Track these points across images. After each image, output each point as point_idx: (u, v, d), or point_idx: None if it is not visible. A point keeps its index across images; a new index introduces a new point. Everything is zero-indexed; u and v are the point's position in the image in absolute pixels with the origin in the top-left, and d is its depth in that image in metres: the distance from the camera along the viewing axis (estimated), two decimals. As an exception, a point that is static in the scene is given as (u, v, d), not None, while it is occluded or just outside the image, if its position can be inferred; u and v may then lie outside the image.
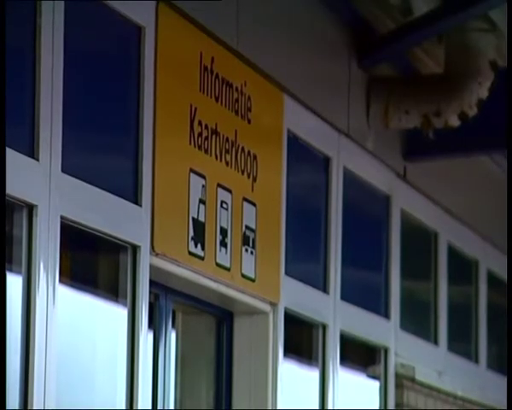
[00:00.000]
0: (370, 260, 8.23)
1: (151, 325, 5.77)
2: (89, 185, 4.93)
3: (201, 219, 5.98)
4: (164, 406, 6.09)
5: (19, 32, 4.35)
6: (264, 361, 6.76)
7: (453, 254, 9.36)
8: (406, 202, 8.56)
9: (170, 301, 6.14)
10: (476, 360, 9.84)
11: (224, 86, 6.22)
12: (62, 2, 4.59)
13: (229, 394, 6.74)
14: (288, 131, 6.90)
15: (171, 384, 6.22)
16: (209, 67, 6.06)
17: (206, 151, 6.02)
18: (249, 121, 6.44)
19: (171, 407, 6.22)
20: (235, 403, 6.71)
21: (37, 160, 4.47)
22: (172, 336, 6.24)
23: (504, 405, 10.11)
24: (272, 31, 6.66)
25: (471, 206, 9.59)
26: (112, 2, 5.12)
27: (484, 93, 7.58)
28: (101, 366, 5.54)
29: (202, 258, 5.99)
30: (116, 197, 5.21)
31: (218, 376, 6.72)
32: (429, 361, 8.77)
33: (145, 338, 5.57)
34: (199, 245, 5.95)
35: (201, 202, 5.95)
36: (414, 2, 7.66)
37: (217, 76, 6.15)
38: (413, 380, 8.31)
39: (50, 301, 4.57)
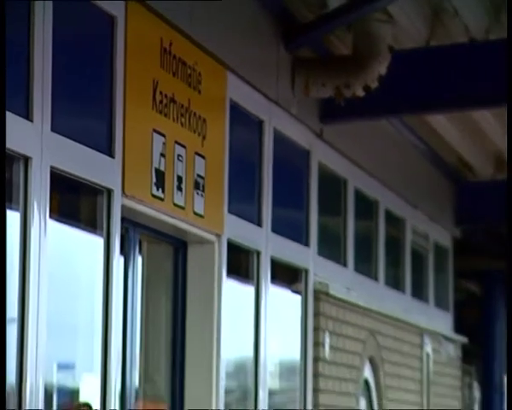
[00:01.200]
0: (294, 201, 8.23)
1: (122, 251, 5.75)
2: (73, 142, 4.96)
3: (162, 168, 5.98)
4: (132, 316, 6.06)
5: (16, 15, 4.40)
6: (211, 280, 6.75)
7: (359, 196, 9.36)
8: (322, 156, 8.55)
9: (137, 233, 6.14)
10: (376, 279, 9.84)
11: (180, 64, 6.19)
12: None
13: (183, 306, 6.73)
14: (230, 99, 6.88)
15: (138, 299, 6.20)
16: (168, 49, 6.05)
17: (165, 115, 6.01)
18: (199, 92, 6.43)
19: (138, 317, 6.19)
20: (189, 313, 6.70)
21: (32, 121, 4.52)
22: (139, 260, 6.26)
23: (397, 314, 10.12)
24: (218, 19, 6.64)
25: (373, 158, 9.58)
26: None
27: (383, 70, 7.57)
28: (82, 284, 5.56)
29: (162, 199, 5.99)
30: (95, 151, 5.22)
31: (175, 292, 6.71)
32: (340, 279, 8.76)
33: (117, 262, 5.56)
34: (160, 189, 5.95)
35: (162, 155, 5.95)
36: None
37: (174, 56, 6.13)
38: (327, 294, 8.31)
39: (43, 233, 4.63)
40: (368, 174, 9.56)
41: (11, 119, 4.22)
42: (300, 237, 8.16)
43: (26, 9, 4.52)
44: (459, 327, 12.35)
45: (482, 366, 15.30)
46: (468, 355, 12.89)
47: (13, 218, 4.47)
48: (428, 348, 10.97)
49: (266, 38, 7.46)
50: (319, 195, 8.47)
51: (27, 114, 4.53)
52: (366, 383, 9.37)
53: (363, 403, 9.27)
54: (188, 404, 6.67)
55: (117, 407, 5.55)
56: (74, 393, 5.50)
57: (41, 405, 4.61)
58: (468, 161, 11.73)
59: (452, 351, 11.95)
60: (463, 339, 12.37)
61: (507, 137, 4.81)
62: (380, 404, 9.65)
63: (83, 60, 5.30)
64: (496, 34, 8.49)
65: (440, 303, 11.88)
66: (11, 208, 4.47)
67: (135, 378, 6.17)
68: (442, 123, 10.43)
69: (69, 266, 5.35)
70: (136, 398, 6.21)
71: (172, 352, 6.71)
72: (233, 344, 7.10)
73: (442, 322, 11.82)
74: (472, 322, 13.73)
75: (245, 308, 7.36)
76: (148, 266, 6.47)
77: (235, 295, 7.10)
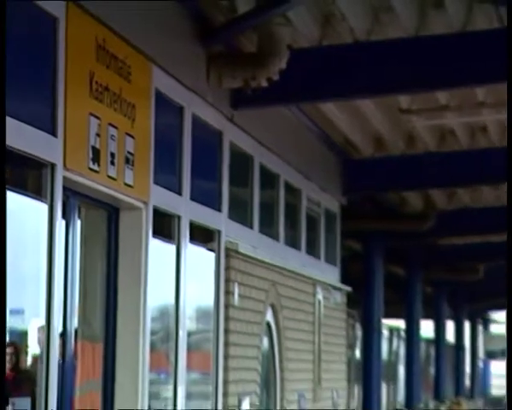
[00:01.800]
0: (209, 174, 8.23)
1: (64, 216, 5.71)
2: (23, 124, 4.94)
3: (97, 146, 5.96)
4: (72, 270, 6.02)
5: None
6: (139, 240, 6.72)
7: (263, 170, 9.37)
8: (233, 137, 8.55)
9: (76, 201, 6.08)
10: (277, 239, 9.85)
11: (112, 58, 6.16)
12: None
13: (116, 261, 6.71)
14: (155, 88, 6.86)
15: (78, 255, 6.16)
16: (102, 45, 6.02)
17: (100, 101, 5.99)
18: (129, 82, 6.39)
19: (78, 270, 6.15)
20: (120, 267, 6.68)
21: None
22: (78, 223, 6.19)
23: (294, 268, 10.14)
24: (145, 20, 6.61)
25: (275, 139, 9.58)
26: (39, 2, 5.18)
27: (283, 65, 7.58)
28: (30, 243, 5.53)
29: (98, 172, 5.98)
30: (41, 132, 5.21)
31: (109, 249, 6.69)
32: (247, 239, 8.77)
33: (60, 224, 5.53)
34: (96, 163, 5.95)
35: (97, 135, 5.94)
36: (238, 3, 7.63)
37: (107, 51, 6.09)
38: (236, 252, 8.31)
39: (-2, 201, 4.55)
40: (271, 152, 9.58)
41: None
42: (214, 204, 8.15)
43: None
44: (345, 278, 12.44)
45: (363, 311, 15.43)
46: (351, 301, 12.99)
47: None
48: (320, 296, 11.03)
49: (186, 37, 7.43)
50: (230, 169, 8.46)
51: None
52: (268, 325, 9.39)
53: (265, 341, 9.28)
54: (119, 344, 6.65)
55: (58, 345, 5.57)
56: (23, 334, 5.47)
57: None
58: (352, 141, 11.79)
59: (339, 298, 12.03)
60: (348, 288, 12.46)
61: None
62: (279, 342, 9.68)
63: (31, 54, 5.26)
64: (376, 35, 8.50)
65: (330, 259, 11.94)
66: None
67: (74, 322, 6.13)
68: (331, 109, 10.49)
69: (20, 227, 5.30)
70: (76, 338, 6.16)
71: (106, 300, 6.67)
72: (157, 293, 7.07)
73: (331, 274, 11.89)
74: (355, 274, 13.83)
75: (168, 263, 7.35)
76: (86, 228, 6.42)
77: (159, 252, 7.07)
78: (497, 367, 32.95)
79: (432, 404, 19.47)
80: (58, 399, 5.61)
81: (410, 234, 15.37)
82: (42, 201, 5.44)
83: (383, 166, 12.45)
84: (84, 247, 6.32)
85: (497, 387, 32.48)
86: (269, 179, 9.62)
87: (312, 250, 11.18)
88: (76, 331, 6.18)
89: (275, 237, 9.82)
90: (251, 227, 9.07)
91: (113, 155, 6.15)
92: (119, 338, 6.67)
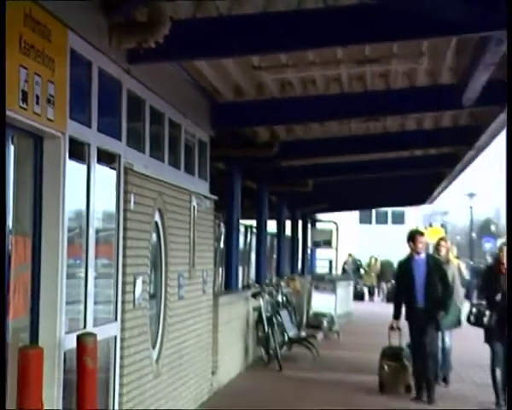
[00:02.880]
0: (112, 112, 8.11)
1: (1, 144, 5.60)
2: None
3: (26, 89, 5.82)
4: (8, 186, 5.91)
5: None
6: (58, 161, 6.65)
7: (152, 110, 9.30)
8: (130, 85, 8.47)
9: (10, 132, 5.92)
10: (163, 161, 9.85)
11: (36, 24, 6.05)
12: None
13: (41, 178, 6.60)
14: (70, 47, 6.75)
15: (11, 175, 6.07)
16: (28, 14, 5.95)
17: (28, 56, 5.83)
18: (50, 42, 6.24)
19: (11, 187, 6.06)
20: (44, 182, 6.60)
21: None
22: (12, 149, 6.06)
23: (175, 182, 10.12)
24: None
25: (161, 86, 9.49)
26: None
27: (166, 32, 7.55)
28: None
29: (26, 109, 5.83)
30: None
31: (35, 169, 6.59)
32: (140, 161, 8.71)
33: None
34: (24, 103, 5.83)
35: (26, 81, 5.82)
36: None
37: (33, 18, 6.00)
38: (132, 170, 8.28)
39: None
40: (158, 96, 9.50)
41: None
42: (116, 134, 8.09)
43: None
44: (212, 190, 12.47)
45: (226, 214, 15.54)
46: (217, 207, 13.04)
47: None
48: (194, 203, 11.04)
49: (94, 9, 7.30)
50: (128, 108, 8.38)
51: None
52: (156, 224, 9.39)
53: (154, 236, 9.29)
54: (43, 238, 6.59)
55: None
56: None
57: None
58: (218, 89, 11.73)
59: (208, 204, 12.06)
60: (215, 197, 12.51)
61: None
62: (164, 237, 9.71)
63: None
64: (235, 11, 8.43)
65: (202, 176, 11.95)
66: None
67: (9, 222, 6.02)
68: (203, 65, 10.45)
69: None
70: (10, 233, 6.07)
71: (34, 207, 6.57)
72: (73, 201, 7.01)
73: (202, 187, 11.92)
74: (220, 187, 13.87)
75: (81, 179, 7.26)
76: (19, 152, 6.30)
77: (74, 170, 6.99)
78: (320, 253, 33.55)
79: (274, 279, 19.75)
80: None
81: (260, 158, 15.49)
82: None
83: (240, 108, 12.47)
84: (16, 167, 6.19)
85: (320, 267, 33.17)
86: (156, 117, 9.55)
87: (189, 169, 11.18)
88: (10, 229, 6.09)
89: (161, 159, 9.80)
90: (143, 152, 9.02)
91: (37, 96, 6.02)
92: (44, 234, 6.59)
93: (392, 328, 11.75)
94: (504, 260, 10.53)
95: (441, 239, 13.10)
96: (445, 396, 11.22)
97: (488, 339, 10.74)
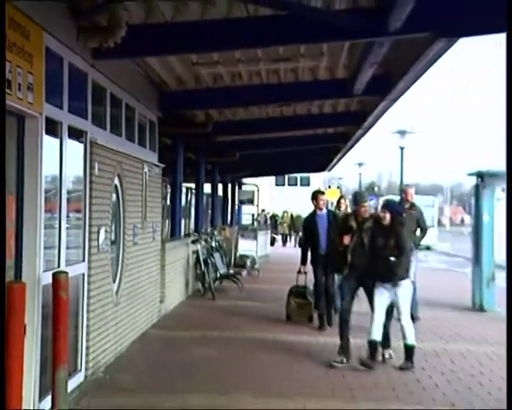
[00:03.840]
0: (80, 97, 7.94)
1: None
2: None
3: (10, 79, 5.65)
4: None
5: None
6: (37, 136, 6.51)
7: (112, 97, 9.15)
8: (94, 76, 8.29)
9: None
10: (121, 136, 9.72)
11: (19, 26, 5.87)
12: None
13: (23, 150, 6.48)
14: (46, 46, 6.59)
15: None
16: (12, 18, 5.72)
17: (11, 52, 5.67)
18: (29, 40, 6.08)
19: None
20: (26, 152, 6.47)
21: None
22: None
23: (131, 153, 10.01)
24: (39, 4, 6.28)
25: (121, 77, 9.33)
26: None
27: (123, 34, 7.44)
28: None
29: (11, 94, 5.70)
30: None
31: (18, 143, 6.45)
32: (103, 136, 8.57)
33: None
34: (9, 89, 5.67)
35: (10, 72, 5.62)
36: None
37: (15, 21, 5.81)
38: (96, 143, 8.15)
39: None
40: (116, 86, 9.34)
41: None
42: (83, 115, 7.95)
43: None
44: (160, 160, 12.39)
45: (171, 178, 15.45)
46: (164, 173, 12.94)
47: None
48: (146, 170, 10.96)
49: (64, 14, 7.13)
50: (92, 94, 8.24)
51: None
52: (116, 186, 9.30)
53: (114, 195, 9.22)
54: (25, 197, 6.47)
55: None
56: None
57: None
58: (164, 80, 11.62)
59: (157, 171, 11.99)
60: (162, 165, 12.42)
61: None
62: (122, 196, 9.61)
63: None
64: (177, 18, 8.32)
65: (152, 148, 11.86)
66: None
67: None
68: (152, 61, 10.35)
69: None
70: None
71: (17, 171, 6.44)
72: (49, 168, 6.89)
73: (152, 157, 11.82)
74: (167, 157, 13.78)
75: (55, 150, 7.13)
76: (6, 128, 6.16)
77: (49, 144, 6.86)
78: (245, 209, 33.69)
79: (209, 229, 19.76)
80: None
81: (198, 135, 15.44)
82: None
83: (182, 95, 12.37)
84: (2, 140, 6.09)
85: (245, 220, 33.29)
86: (115, 101, 9.40)
87: (141, 143, 11.08)
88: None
89: (119, 135, 9.67)
90: (105, 129, 8.90)
91: (19, 84, 5.88)
92: (26, 194, 6.47)
93: (299, 272, 11.40)
94: (386, 215, 10.19)
95: (341, 198, 13.06)
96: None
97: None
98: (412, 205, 11.68)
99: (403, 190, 12.01)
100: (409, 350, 8.52)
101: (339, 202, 12.80)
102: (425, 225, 11.77)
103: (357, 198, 9.05)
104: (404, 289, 8.38)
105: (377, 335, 8.39)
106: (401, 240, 8.23)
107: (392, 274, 8.17)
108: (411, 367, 8.45)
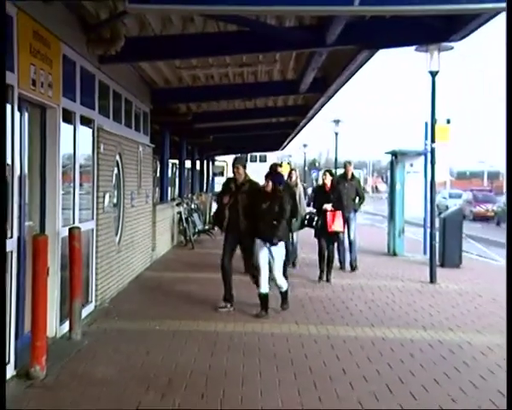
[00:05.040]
0: (91, 92, 7.80)
1: (19, 110, 5.36)
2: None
3: (34, 78, 5.55)
4: (25, 137, 5.68)
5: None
6: (55, 123, 6.41)
7: (114, 93, 9.03)
8: (100, 77, 8.15)
9: (25, 104, 5.68)
10: (121, 123, 9.60)
11: (41, 38, 5.76)
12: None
13: (44, 134, 6.36)
14: (63, 54, 6.47)
15: (27, 131, 5.82)
16: (36, 31, 5.63)
17: (35, 57, 5.56)
18: (50, 48, 5.96)
19: (27, 144, 5.78)
20: (47, 136, 6.38)
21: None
22: (26, 115, 5.78)
23: (129, 136, 9.90)
24: (59, 19, 6.16)
25: (121, 78, 9.14)
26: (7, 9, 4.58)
27: (122, 44, 7.35)
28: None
29: (35, 90, 5.62)
30: (9, 72, 4.67)
31: (41, 128, 6.35)
32: (107, 124, 8.47)
33: (18, 115, 5.18)
34: (34, 86, 5.59)
35: (34, 72, 5.52)
36: (101, 14, 7.13)
37: (38, 34, 5.69)
38: (103, 129, 8.07)
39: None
40: (118, 84, 9.20)
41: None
42: (92, 106, 7.84)
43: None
44: (151, 141, 12.29)
45: (160, 155, 15.32)
46: (155, 152, 12.84)
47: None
48: (140, 149, 10.87)
49: (77, 28, 7.00)
50: (99, 91, 8.10)
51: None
52: (117, 162, 9.23)
53: (116, 169, 9.14)
54: (47, 171, 6.40)
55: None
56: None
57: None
58: (154, 80, 11.49)
59: (149, 150, 11.90)
60: (153, 145, 12.34)
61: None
62: (122, 170, 9.54)
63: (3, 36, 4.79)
64: (165, 32, 8.22)
65: (145, 132, 11.75)
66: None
67: (26, 166, 5.74)
68: (145, 65, 10.21)
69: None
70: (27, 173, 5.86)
71: (40, 152, 6.33)
72: (66, 148, 6.81)
73: (145, 139, 11.72)
74: (157, 139, 13.67)
75: (70, 134, 7.03)
76: (31, 118, 6.02)
77: (66, 129, 6.76)
78: (217, 180, 33.59)
79: (190, 195, 19.72)
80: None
81: (181, 122, 15.31)
82: (7, 103, 4.98)
83: (168, 92, 12.26)
84: (29, 126, 5.94)
85: (217, 188, 33.16)
86: (117, 96, 9.28)
87: (137, 128, 10.96)
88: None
89: (120, 122, 9.56)
90: (109, 118, 8.78)
91: (42, 82, 5.78)
92: (47, 169, 6.41)
93: None
94: (326, 181, 9.93)
95: (292, 170, 12.41)
96: (292, 274, 10.08)
97: (316, 235, 10.06)
98: (353, 177, 11.24)
99: (345, 166, 11.29)
100: (284, 295, 7.75)
101: (290, 173, 11.98)
102: (362, 193, 11.34)
103: (233, 162, 7.97)
104: (279, 249, 7.43)
105: (264, 288, 7.41)
106: (282, 207, 7.43)
107: (273, 235, 7.30)
108: (287, 307, 7.75)
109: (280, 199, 7.44)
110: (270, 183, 7.48)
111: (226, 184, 8.10)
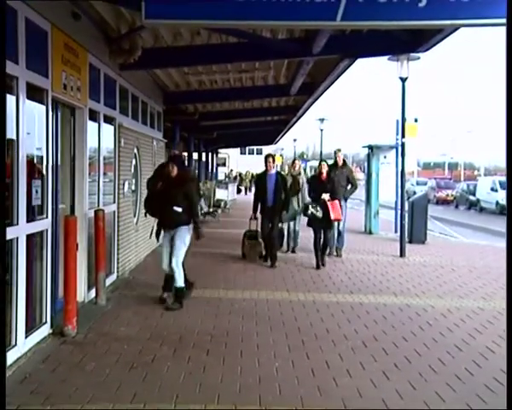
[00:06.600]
0: (111, 93, 7.73)
1: (54, 111, 5.34)
2: (37, 74, 4.48)
3: (65, 83, 5.46)
4: (58, 133, 5.65)
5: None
6: (83, 121, 6.39)
7: (133, 95, 8.95)
8: (121, 81, 8.01)
9: (59, 105, 5.63)
10: (137, 120, 9.52)
11: (70, 48, 5.70)
12: None
13: (74, 130, 6.30)
14: (89, 62, 6.38)
15: (59, 128, 5.77)
16: (66, 43, 5.55)
17: (66, 65, 5.46)
18: (78, 57, 5.91)
19: (59, 134, 5.71)
20: (76, 132, 6.31)
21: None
22: (59, 114, 5.71)
23: (145, 132, 9.88)
24: (85, 33, 6.11)
25: (137, 83, 9.03)
26: (42, 26, 4.56)
27: (139, 54, 7.30)
28: (34, 126, 5.02)
29: (66, 93, 5.53)
30: (43, 77, 4.75)
31: (71, 126, 6.30)
32: (127, 121, 8.31)
33: (52, 115, 5.15)
34: (65, 89, 5.51)
35: (65, 78, 5.40)
36: (121, 27, 7.09)
37: (68, 45, 5.62)
38: (122, 126, 8.04)
39: None
40: (136, 88, 9.09)
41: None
42: (113, 107, 7.74)
43: None
44: (164, 136, 12.25)
45: (171, 149, 15.26)
46: (167, 146, 12.80)
47: None
48: (154, 143, 10.82)
49: (101, 40, 6.94)
50: (120, 94, 8.07)
51: None
52: (135, 154, 9.21)
53: (134, 160, 9.12)
54: (76, 163, 6.38)
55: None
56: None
57: None
58: (167, 84, 11.45)
59: (162, 144, 11.86)
60: (165, 140, 12.28)
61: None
62: (139, 161, 9.52)
63: (38, 48, 4.70)
64: (175, 44, 8.17)
65: (159, 129, 11.69)
66: None
67: (58, 157, 5.72)
68: (158, 72, 10.18)
69: (31, 113, 4.90)
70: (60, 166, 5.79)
71: (71, 146, 6.29)
72: (92, 142, 6.73)
73: (159, 135, 11.65)
74: (169, 135, 13.64)
75: (95, 131, 6.94)
76: (63, 116, 5.98)
77: (92, 126, 6.69)
78: (220, 169, 33.43)
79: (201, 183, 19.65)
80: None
81: (189, 121, 15.27)
82: (43, 104, 5.00)
83: (178, 95, 12.22)
84: (62, 124, 5.91)
85: (220, 176, 33.04)
86: (135, 98, 9.22)
87: (152, 126, 10.91)
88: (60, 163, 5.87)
89: (137, 120, 9.50)
90: (128, 116, 8.73)
91: (72, 86, 5.75)
92: (76, 161, 6.40)
93: (251, 218, 9.69)
94: (323, 171, 8.95)
95: (295, 160, 11.09)
96: (290, 261, 9.61)
97: (309, 224, 9.03)
98: (344, 164, 9.83)
99: (335, 154, 10.00)
100: (178, 292, 6.02)
101: (293, 163, 10.68)
102: (354, 181, 9.78)
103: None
104: (180, 238, 6.13)
105: (165, 265, 6.27)
106: (187, 194, 6.06)
107: (174, 221, 6.10)
108: (179, 308, 5.88)
109: (186, 187, 6.04)
110: (175, 167, 6.04)
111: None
